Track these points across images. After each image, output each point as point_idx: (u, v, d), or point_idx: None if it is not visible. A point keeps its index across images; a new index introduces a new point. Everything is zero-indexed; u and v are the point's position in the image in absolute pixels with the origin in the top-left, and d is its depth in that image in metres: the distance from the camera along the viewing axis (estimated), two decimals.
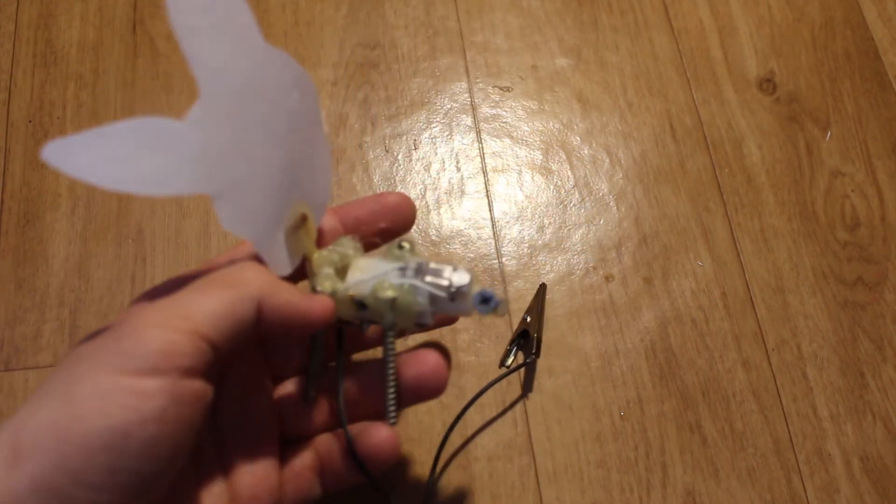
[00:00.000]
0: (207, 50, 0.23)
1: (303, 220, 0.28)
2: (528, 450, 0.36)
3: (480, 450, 0.36)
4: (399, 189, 0.41)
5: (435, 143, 0.43)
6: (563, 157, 0.43)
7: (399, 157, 0.42)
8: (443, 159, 0.42)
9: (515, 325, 0.38)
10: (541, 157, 0.43)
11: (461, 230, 0.41)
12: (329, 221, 0.30)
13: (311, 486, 0.29)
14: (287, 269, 0.27)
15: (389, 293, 0.27)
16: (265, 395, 0.29)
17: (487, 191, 0.42)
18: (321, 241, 0.29)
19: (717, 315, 0.39)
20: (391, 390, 0.28)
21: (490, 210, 0.41)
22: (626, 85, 0.44)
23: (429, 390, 0.30)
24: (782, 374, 0.38)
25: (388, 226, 0.30)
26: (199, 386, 0.23)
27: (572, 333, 0.38)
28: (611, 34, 0.45)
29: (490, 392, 0.37)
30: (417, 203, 0.41)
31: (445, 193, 0.41)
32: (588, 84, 0.44)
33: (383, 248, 0.30)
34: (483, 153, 0.43)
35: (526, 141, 0.43)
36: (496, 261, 0.40)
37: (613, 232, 0.41)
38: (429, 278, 0.27)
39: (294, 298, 0.25)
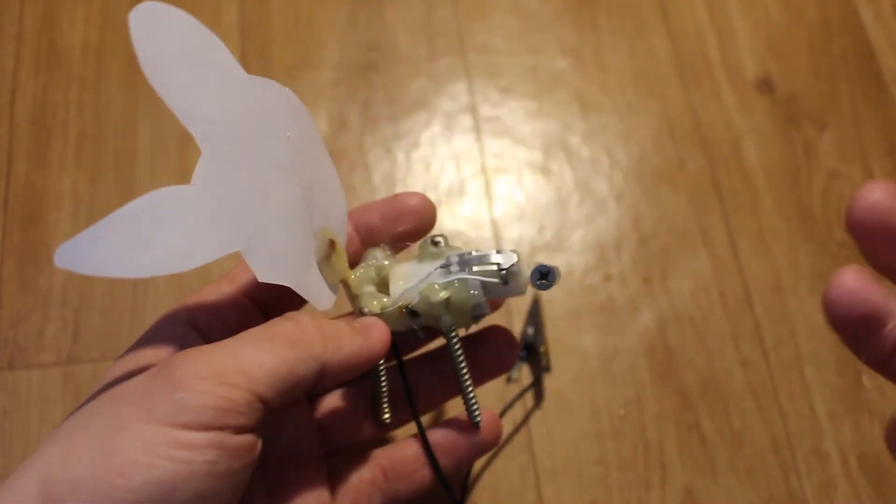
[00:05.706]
0: (196, 102, 0.22)
1: (331, 246, 0.27)
2: (527, 448, 0.36)
3: None
4: (399, 189, 0.41)
5: (435, 144, 0.43)
6: (563, 157, 0.43)
7: (399, 157, 0.43)
8: (443, 160, 0.43)
9: (518, 332, 0.38)
10: (541, 157, 0.43)
11: (461, 230, 0.41)
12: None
13: (369, 500, 0.28)
14: (329, 303, 0.26)
15: (442, 294, 0.26)
16: (303, 413, 0.29)
17: (487, 191, 0.42)
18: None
19: (716, 315, 0.39)
20: (469, 391, 0.28)
21: (490, 210, 0.41)
22: (625, 86, 0.44)
23: (500, 367, 0.30)
24: (780, 373, 0.38)
25: (407, 229, 0.29)
26: (250, 440, 0.22)
27: (572, 333, 0.39)
28: (610, 36, 0.46)
29: (491, 393, 0.37)
30: None
31: (445, 194, 0.42)
32: (587, 85, 0.45)
33: (415, 249, 0.29)
34: (483, 154, 0.43)
35: (526, 142, 0.43)
36: None
37: (613, 232, 0.41)
38: (476, 268, 0.26)
39: (355, 346, 0.25)
